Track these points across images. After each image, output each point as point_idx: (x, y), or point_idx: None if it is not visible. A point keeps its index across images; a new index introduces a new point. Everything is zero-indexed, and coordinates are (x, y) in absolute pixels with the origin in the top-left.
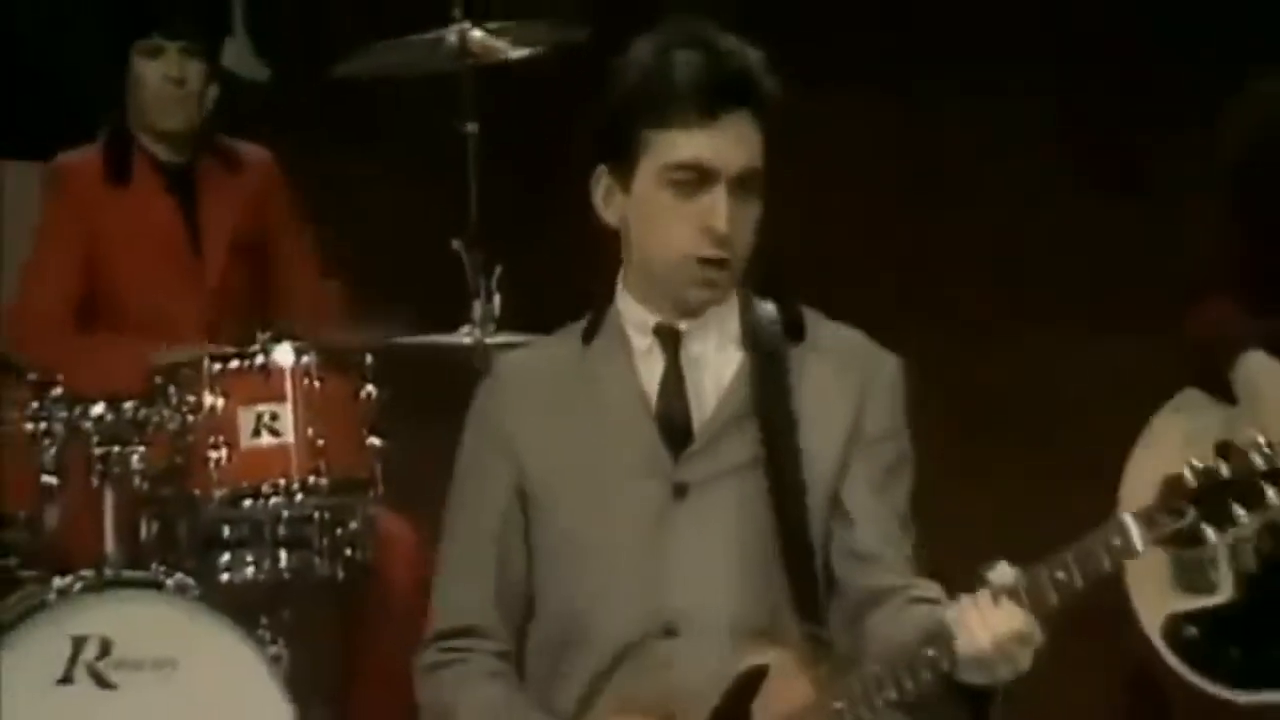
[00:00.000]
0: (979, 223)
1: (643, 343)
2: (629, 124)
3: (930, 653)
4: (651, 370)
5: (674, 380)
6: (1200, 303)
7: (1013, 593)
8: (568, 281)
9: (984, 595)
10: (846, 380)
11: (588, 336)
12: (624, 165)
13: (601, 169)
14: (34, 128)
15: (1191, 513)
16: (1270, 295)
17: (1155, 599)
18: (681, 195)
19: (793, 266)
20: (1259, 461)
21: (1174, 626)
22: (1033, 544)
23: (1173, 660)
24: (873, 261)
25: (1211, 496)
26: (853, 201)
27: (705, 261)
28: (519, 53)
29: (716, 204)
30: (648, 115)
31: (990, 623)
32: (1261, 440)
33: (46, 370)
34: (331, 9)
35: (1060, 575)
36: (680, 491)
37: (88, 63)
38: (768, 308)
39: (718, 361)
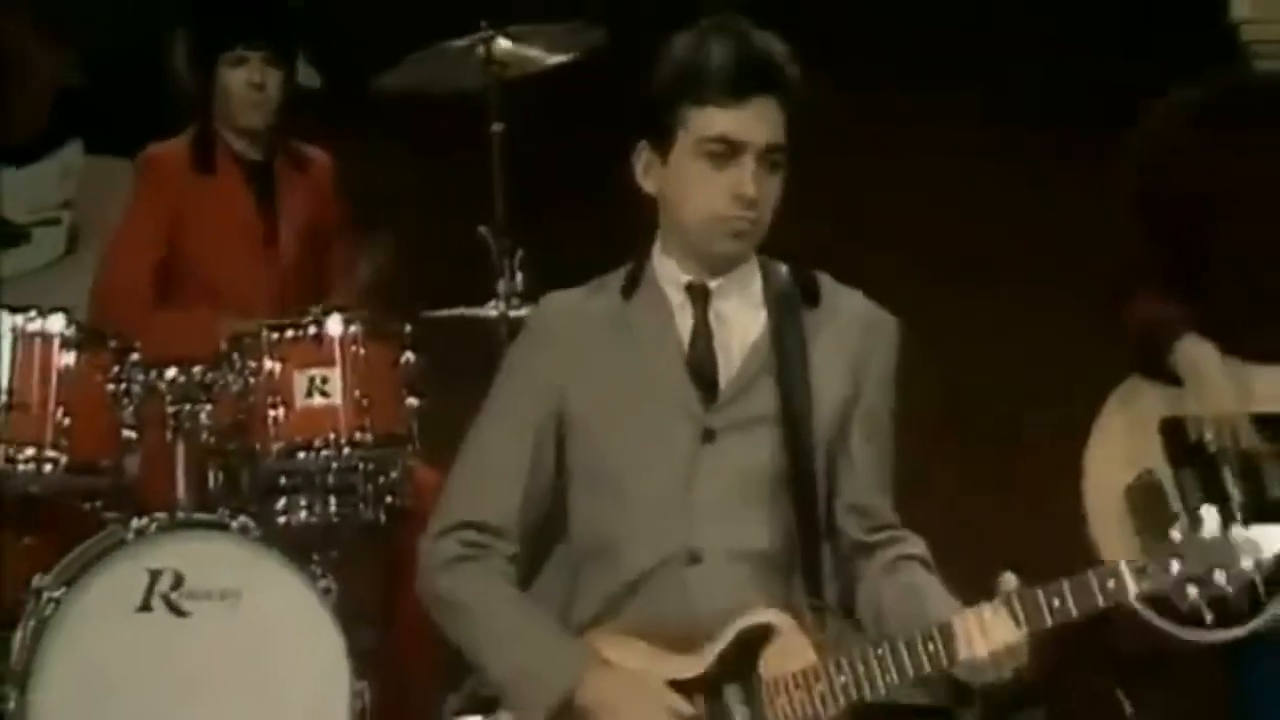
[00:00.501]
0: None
1: (677, 298)
2: (670, 103)
3: (932, 649)
4: (685, 323)
5: (704, 335)
6: (1131, 298)
7: (1012, 611)
8: (582, 261)
9: (988, 609)
10: (851, 344)
11: (627, 291)
12: (663, 139)
13: (643, 144)
14: (124, 128)
15: (1178, 569)
16: (1188, 286)
17: (1118, 545)
18: (714, 165)
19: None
20: (1210, 440)
21: None
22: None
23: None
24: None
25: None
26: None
27: (735, 219)
28: (540, 63)
29: (744, 173)
30: (687, 95)
31: (990, 636)
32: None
33: (126, 338)
34: (373, 24)
35: (1056, 603)
36: (709, 436)
37: (175, 70)
38: (783, 272)
39: (743, 320)
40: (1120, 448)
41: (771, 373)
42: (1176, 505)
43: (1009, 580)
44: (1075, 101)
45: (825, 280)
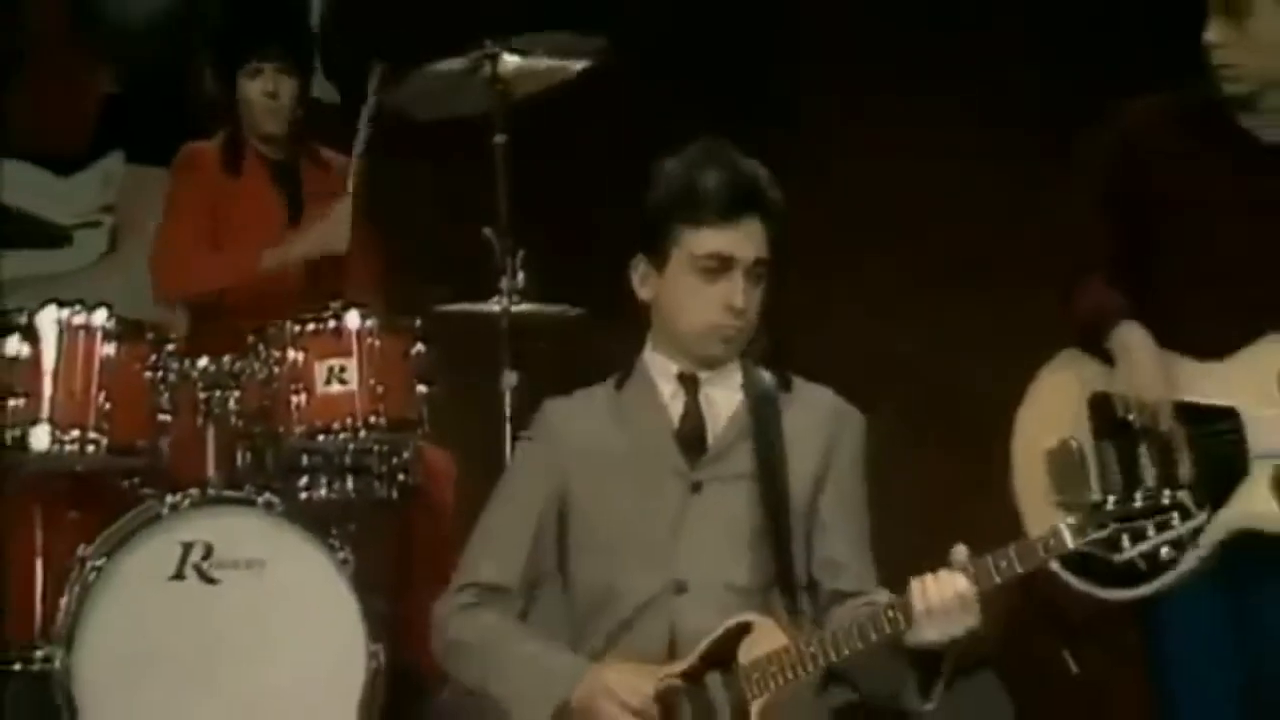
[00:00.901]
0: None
1: (668, 387)
2: (666, 223)
3: (891, 612)
4: (675, 405)
5: (694, 410)
6: (1080, 283)
7: (963, 568)
8: (576, 262)
9: (942, 572)
10: (822, 423)
11: (620, 384)
12: (659, 255)
13: (640, 258)
14: (160, 139)
15: (1113, 527)
16: (1134, 280)
17: (1035, 501)
18: (707, 279)
19: None
20: (1134, 419)
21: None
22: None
23: (1053, 564)
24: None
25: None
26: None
27: (725, 328)
28: (540, 80)
29: (735, 287)
30: (682, 216)
31: (942, 588)
32: (1132, 400)
33: (161, 330)
34: (388, 45)
35: (1003, 564)
36: (696, 488)
37: (203, 84)
38: (761, 370)
39: (726, 400)
40: (1049, 413)
41: (749, 438)
42: (1093, 473)
43: (960, 551)
44: (1073, 105)
45: (797, 378)
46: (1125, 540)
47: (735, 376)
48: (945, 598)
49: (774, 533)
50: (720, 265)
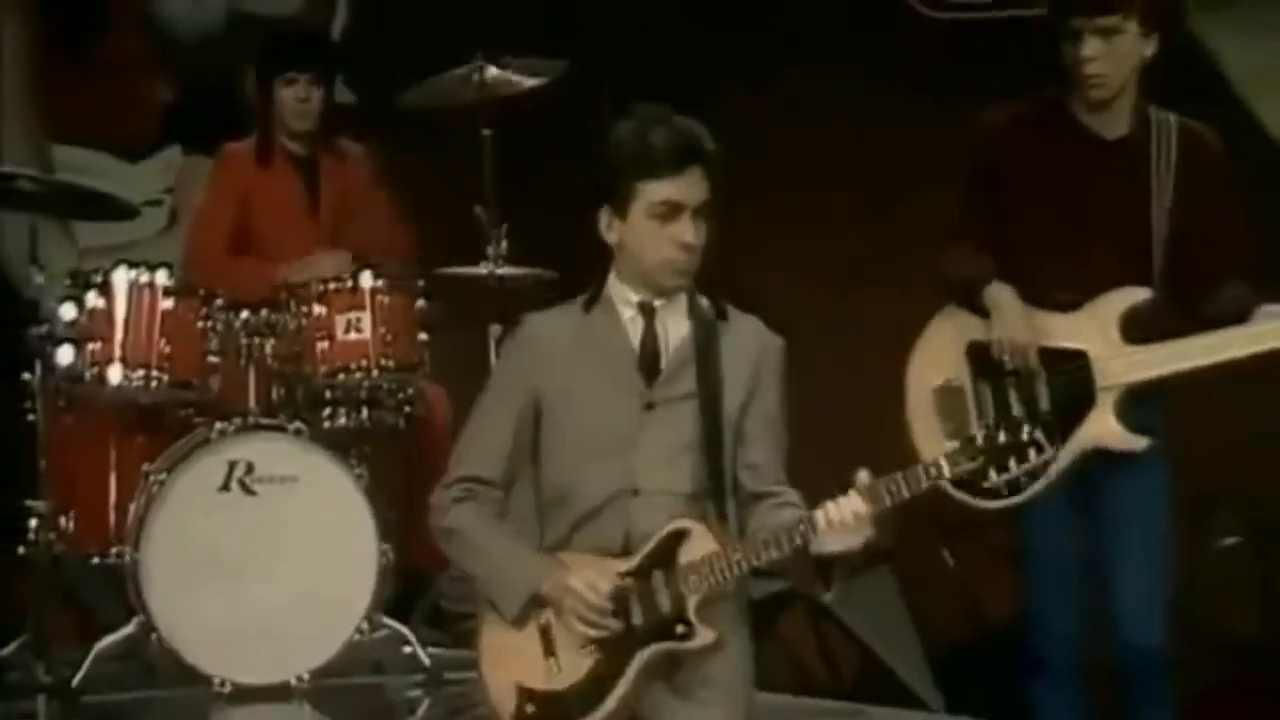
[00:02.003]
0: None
1: (628, 312)
2: (623, 177)
3: (802, 528)
4: (634, 329)
5: (651, 337)
6: (955, 249)
7: (862, 490)
8: (551, 234)
9: (841, 498)
10: (751, 349)
11: (587, 307)
12: (620, 205)
13: (605, 208)
14: (210, 135)
15: (981, 460)
16: (998, 247)
17: (925, 433)
18: (662, 222)
19: None
20: (1007, 361)
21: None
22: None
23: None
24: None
25: (994, 451)
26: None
27: (672, 269)
28: (518, 86)
29: (685, 227)
30: (637, 171)
31: (841, 507)
32: (1003, 343)
33: (211, 289)
34: (394, 55)
35: (893, 488)
36: (649, 407)
37: (246, 90)
38: (703, 298)
39: (675, 326)
40: (935, 358)
41: (693, 363)
42: (972, 408)
43: (862, 475)
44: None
45: (730, 307)
46: (992, 472)
47: (683, 304)
48: (845, 517)
49: (710, 447)
50: (671, 210)
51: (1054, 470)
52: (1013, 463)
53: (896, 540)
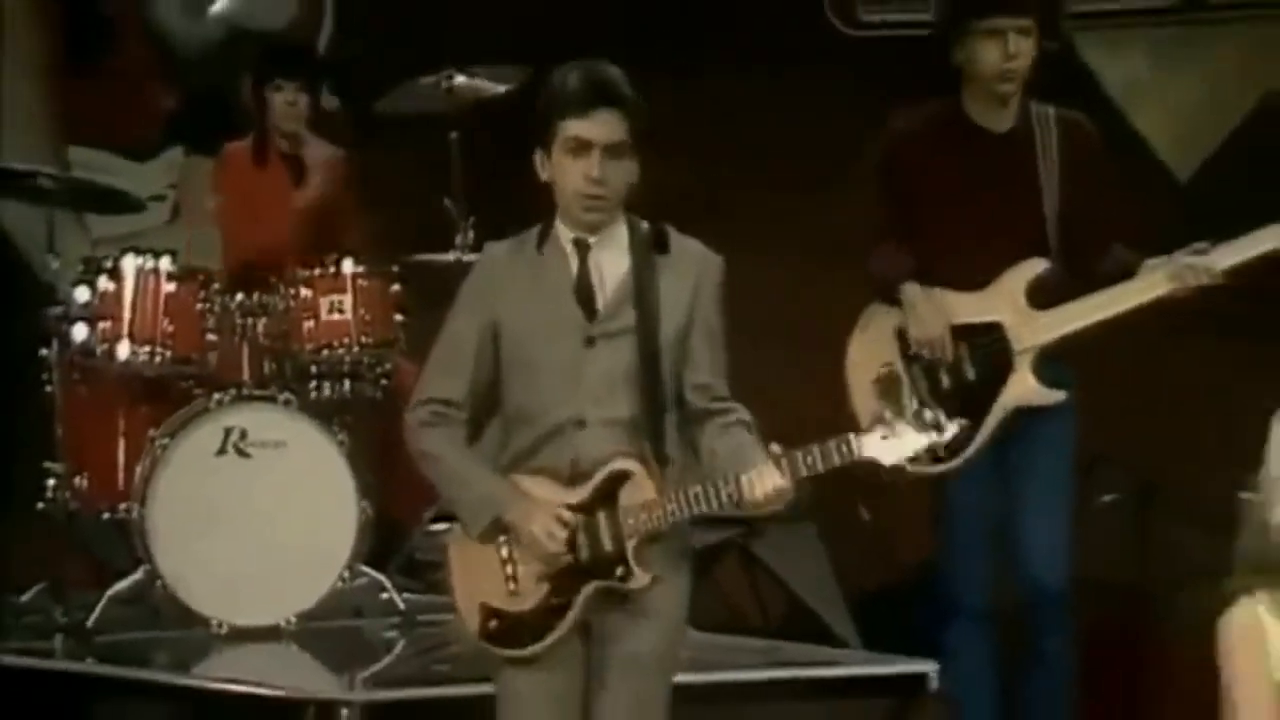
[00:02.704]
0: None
1: (568, 248)
2: (547, 119)
3: (729, 491)
4: (574, 264)
5: (585, 275)
6: (876, 248)
7: (779, 464)
8: (514, 224)
9: (767, 466)
10: (690, 272)
11: (539, 243)
12: (547, 145)
13: (539, 150)
14: (209, 138)
15: (892, 440)
16: (912, 244)
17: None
18: (573, 158)
19: None
20: (925, 354)
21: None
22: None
23: None
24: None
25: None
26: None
27: (588, 196)
28: (483, 92)
29: (592, 162)
30: (556, 113)
31: (764, 483)
32: (919, 337)
33: (209, 274)
34: (371, 67)
35: (808, 460)
36: (590, 342)
37: (242, 97)
38: (644, 226)
39: (613, 263)
40: (870, 349)
41: (632, 300)
42: (906, 387)
43: (775, 448)
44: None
45: (673, 232)
46: (908, 449)
47: (621, 239)
48: (765, 489)
49: (648, 383)
50: (580, 146)
51: (983, 434)
52: (924, 443)
53: (819, 498)
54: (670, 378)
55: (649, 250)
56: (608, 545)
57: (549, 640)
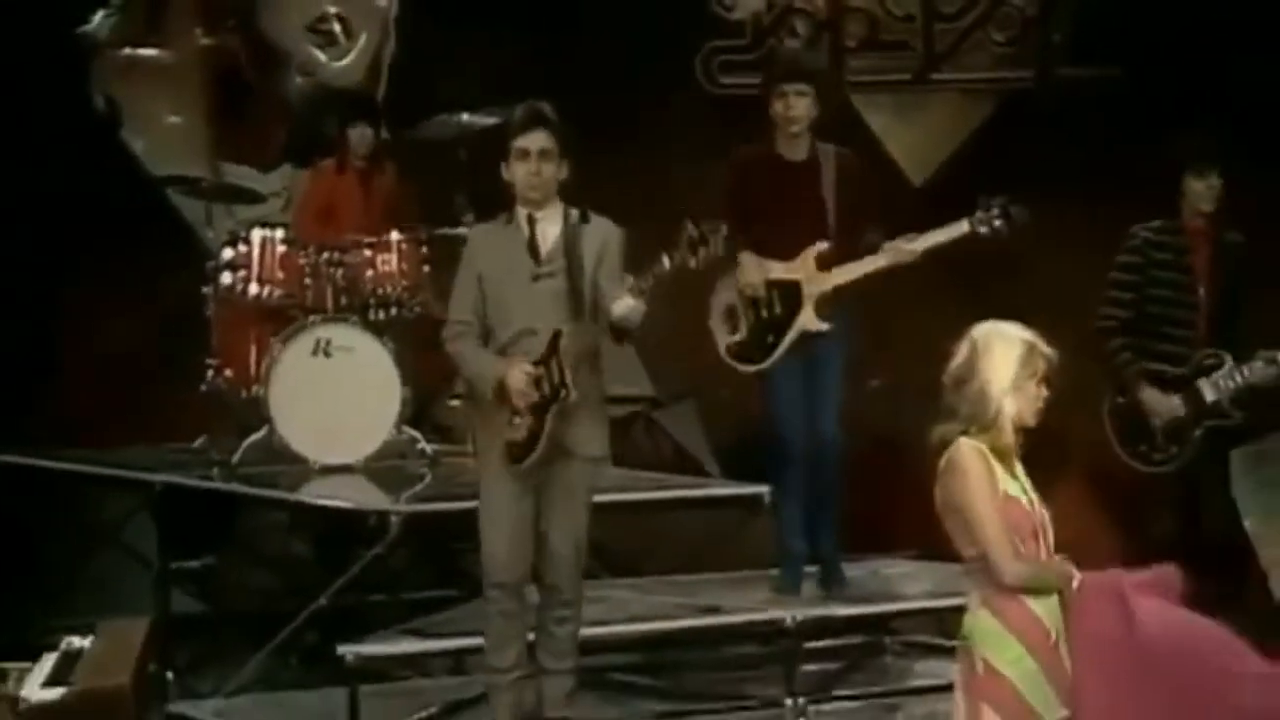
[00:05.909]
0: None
1: (523, 222)
2: (508, 138)
3: (616, 312)
4: (526, 230)
5: (533, 237)
6: (732, 231)
7: (633, 290)
8: (496, 210)
9: (628, 298)
10: (601, 235)
11: (507, 220)
12: (507, 155)
13: (503, 161)
14: (309, 155)
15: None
16: (748, 227)
17: (721, 335)
18: (521, 161)
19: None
20: (750, 294)
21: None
22: None
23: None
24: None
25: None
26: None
27: (529, 186)
28: (482, 123)
29: (530, 164)
30: (510, 134)
31: (625, 302)
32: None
33: (301, 239)
34: (412, 106)
35: (643, 285)
36: (536, 279)
37: (331, 130)
38: (573, 210)
39: (552, 229)
40: (721, 295)
41: (563, 252)
42: (742, 316)
43: (629, 279)
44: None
45: (591, 212)
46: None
47: (558, 215)
48: (627, 305)
49: (573, 298)
50: (521, 154)
51: (783, 346)
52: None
53: (697, 385)
54: (588, 301)
55: (575, 222)
56: (556, 378)
57: (533, 458)
